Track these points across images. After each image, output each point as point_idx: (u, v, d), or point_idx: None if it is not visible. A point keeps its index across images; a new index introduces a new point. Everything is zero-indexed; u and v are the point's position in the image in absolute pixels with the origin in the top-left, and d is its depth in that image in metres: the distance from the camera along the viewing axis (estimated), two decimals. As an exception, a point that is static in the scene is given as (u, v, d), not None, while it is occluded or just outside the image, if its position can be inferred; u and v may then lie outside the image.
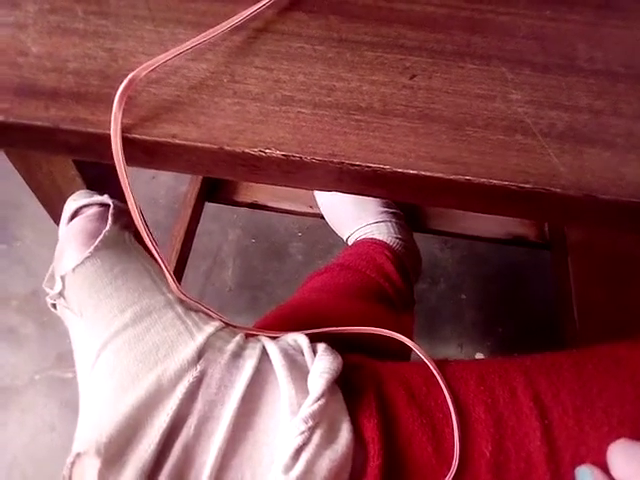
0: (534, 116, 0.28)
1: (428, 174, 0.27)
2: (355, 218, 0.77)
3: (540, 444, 0.32)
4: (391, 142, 0.27)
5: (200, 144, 0.27)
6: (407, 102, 0.29)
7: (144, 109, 0.28)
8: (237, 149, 0.27)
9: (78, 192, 0.44)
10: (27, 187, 0.47)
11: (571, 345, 0.74)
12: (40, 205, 0.50)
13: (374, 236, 0.73)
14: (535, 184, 0.26)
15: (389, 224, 0.76)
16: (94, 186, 0.46)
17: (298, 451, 0.30)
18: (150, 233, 0.31)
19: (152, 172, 1.11)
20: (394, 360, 0.43)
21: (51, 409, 0.95)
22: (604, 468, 0.29)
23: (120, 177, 0.28)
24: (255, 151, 0.27)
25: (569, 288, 0.74)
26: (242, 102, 0.28)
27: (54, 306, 0.40)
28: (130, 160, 0.28)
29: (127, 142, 0.27)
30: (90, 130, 0.27)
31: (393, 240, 0.72)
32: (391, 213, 0.78)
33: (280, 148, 0.27)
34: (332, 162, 0.27)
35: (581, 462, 0.31)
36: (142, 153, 0.28)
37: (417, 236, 0.79)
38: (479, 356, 0.97)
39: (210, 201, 0.89)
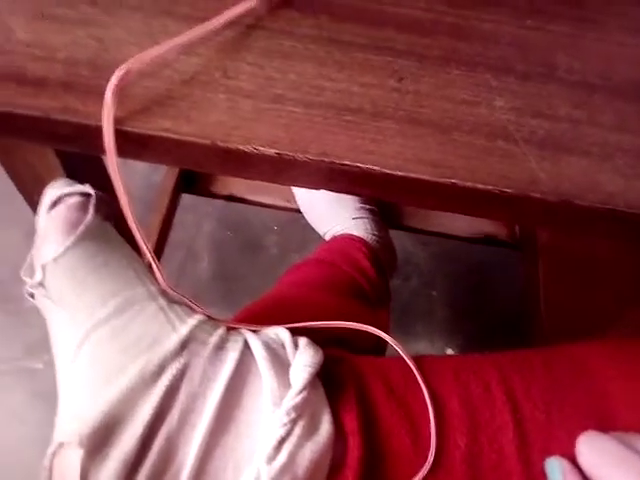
0: (516, 123, 0.29)
1: (416, 176, 0.28)
2: (333, 214, 0.78)
3: (512, 437, 0.34)
4: (380, 143, 0.28)
5: (193, 139, 0.27)
6: (396, 105, 0.29)
7: (135, 101, 0.28)
8: (230, 145, 0.27)
9: (58, 180, 0.43)
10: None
11: (537, 343, 0.77)
12: (4, 192, 0.49)
13: (351, 232, 0.74)
14: (516, 189, 0.28)
15: (366, 221, 0.77)
16: (73, 176, 0.45)
17: (280, 442, 0.31)
18: (138, 225, 0.31)
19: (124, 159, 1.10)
20: (369, 355, 0.44)
21: (20, 400, 0.93)
22: (572, 459, 0.31)
23: (111, 169, 0.28)
24: (248, 148, 0.27)
25: (537, 288, 0.77)
26: (235, 99, 0.29)
27: (32, 295, 0.39)
28: (120, 152, 0.28)
29: (118, 134, 0.27)
30: (81, 121, 0.27)
31: (369, 236, 0.74)
32: (368, 210, 0.79)
33: (273, 146, 0.28)
34: (323, 161, 0.28)
35: (550, 454, 0.32)
36: (133, 146, 0.28)
37: (391, 233, 0.80)
38: (449, 351, 0.99)
39: (186, 192, 0.89)
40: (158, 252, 0.85)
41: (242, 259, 1.06)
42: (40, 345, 0.96)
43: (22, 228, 1.00)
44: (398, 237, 0.82)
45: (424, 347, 0.99)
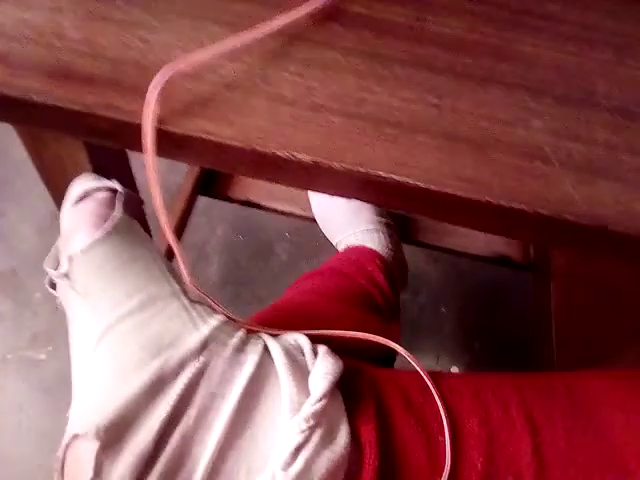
0: (553, 145, 0.30)
1: (450, 191, 0.28)
2: (348, 223, 0.78)
3: (530, 460, 0.33)
4: (417, 157, 0.28)
5: (232, 142, 0.28)
6: (434, 121, 0.30)
7: (177, 102, 0.28)
8: (267, 150, 0.28)
9: (85, 175, 0.44)
10: (14, 163, 0.46)
11: (544, 368, 0.76)
12: (26, 182, 0.49)
13: (365, 244, 0.74)
14: (550, 210, 0.28)
15: (381, 233, 0.77)
16: (99, 171, 0.46)
17: (298, 449, 0.31)
18: (170, 225, 0.31)
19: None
20: (379, 366, 0.44)
21: (21, 390, 0.93)
22: None
23: (148, 168, 0.28)
24: (285, 154, 0.28)
25: (548, 311, 0.76)
26: (274, 105, 0.29)
27: (53, 286, 0.40)
28: (159, 151, 0.28)
29: (158, 133, 0.28)
30: (124, 118, 0.27)
31: (384, 250, 0.73)
32: (384, 223, 0.79)
33: (309, 153, 0.28)
34: (358, 171, 0.28)
35: None
36: (172, 145, 0.29)
37: (403, 247, 0.80)
38: (454, 369, 0.99)
39: (203, 194, 0.89)
40: (171, 252, 0.85)
41: (252, 264, 1.06)
42: (45, 336, 0.96)
43: (35, 222, 1.01)
44: (410, 252, 0.82)
45: (430, 363, 0.98)
